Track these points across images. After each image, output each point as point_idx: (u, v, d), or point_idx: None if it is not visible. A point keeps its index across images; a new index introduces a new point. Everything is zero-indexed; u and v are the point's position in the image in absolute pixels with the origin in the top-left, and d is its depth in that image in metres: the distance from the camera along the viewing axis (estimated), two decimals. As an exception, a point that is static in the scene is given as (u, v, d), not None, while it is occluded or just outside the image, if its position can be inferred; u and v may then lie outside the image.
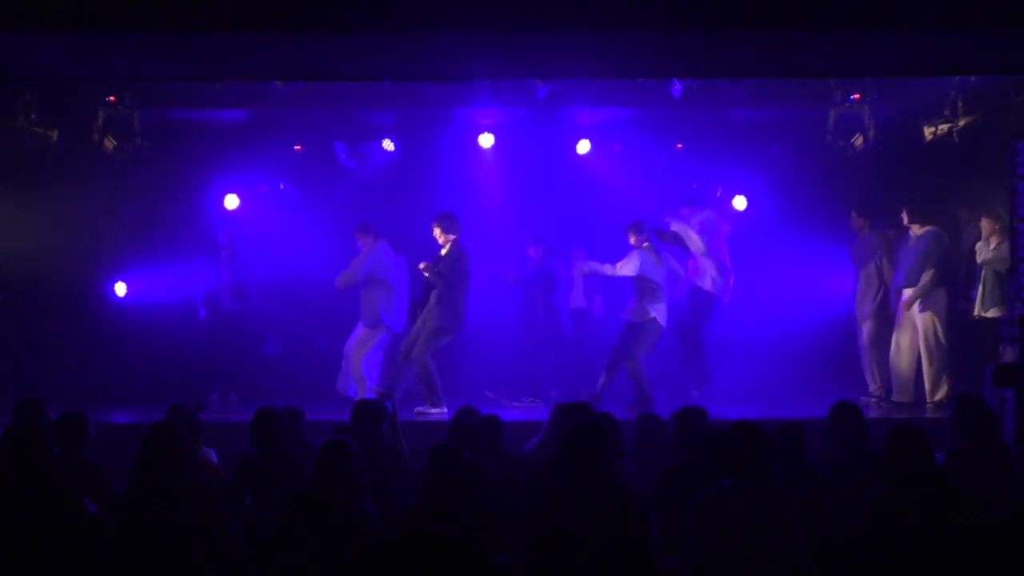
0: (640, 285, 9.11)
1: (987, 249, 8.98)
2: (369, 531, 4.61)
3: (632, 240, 9.21)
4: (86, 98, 9.67)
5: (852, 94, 9.78)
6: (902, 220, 9.35)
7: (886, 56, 7.49)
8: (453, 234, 8.89)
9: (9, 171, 9.87)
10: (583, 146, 10.61)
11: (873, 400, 9.37)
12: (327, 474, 4.67)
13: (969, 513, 4.56)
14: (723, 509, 4.47)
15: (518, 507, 5.13)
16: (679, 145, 10.81)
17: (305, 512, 4.60)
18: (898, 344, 9.30)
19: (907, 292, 9.20)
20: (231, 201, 10.59)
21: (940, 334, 9.09)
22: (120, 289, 10.51)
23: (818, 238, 10.23)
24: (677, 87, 9.16)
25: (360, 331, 9.51)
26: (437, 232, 8.94)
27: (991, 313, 8.95)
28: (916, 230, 9.24)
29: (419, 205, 10.58)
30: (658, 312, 9.12)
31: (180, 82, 9.38)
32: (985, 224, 9.09)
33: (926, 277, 9.08)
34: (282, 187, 10.88)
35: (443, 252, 8.92)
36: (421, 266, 8.91)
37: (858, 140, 9.95)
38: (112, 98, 9.71)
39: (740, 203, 10.66)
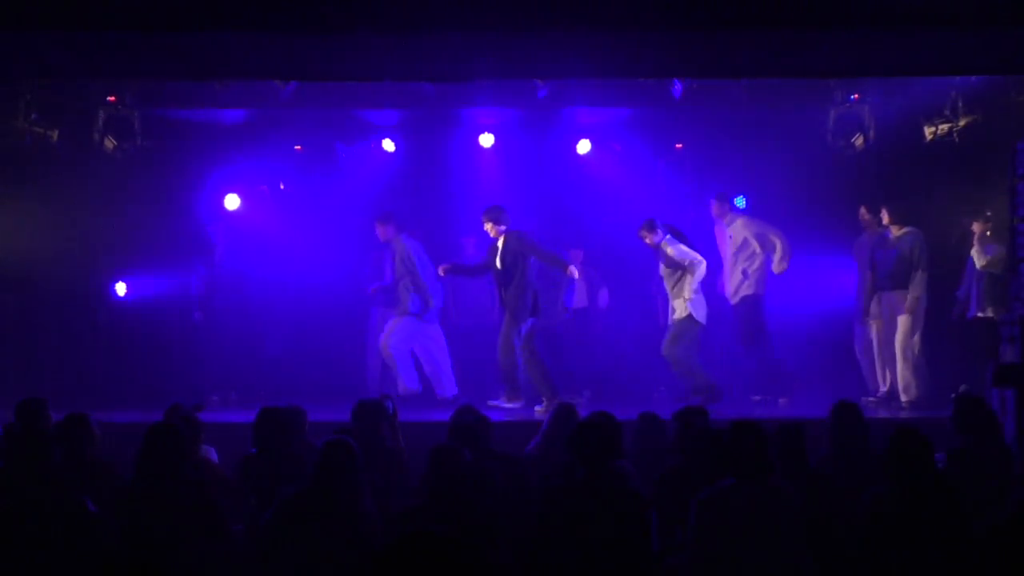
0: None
1: (983, 255, 8.97)
2: (369, 531, 4.61)
3: (651, 240, 9.02)
4: (86, 98, 9.68)
5: (852, 94, 9.77)
6: (881, 219, 9.30)
7: (886, 56, 7.49)
8: (504, 225, 8.94)
9: (9, 171, 9.86)
10: (583, 146, 10.61)
11: (873, 400, 9.34)
12: (327, 474, 4.68)
13: (969, 513, 4.56)
14: (723, 509, 4.47)
15: (518, 507, 5.13)
16: (679, 145, 10.81)
17: (305, 512, 4.60)
18: (894, 345, 9.24)
19: (895, 294, 9.11)
20: (231, 201, 10.59)
21: (916, 336, 9.03)
22: (120, 289, 10.51)
23: (818, 238, 10.23)
24: (677, 87, 9.16)
25: (391, 321, 9.54)
26: (489, 226, 8.99)
27: (988, 312, 8.95)
28: (896, 231, 9.18)
29: (419, 205, 10.60)
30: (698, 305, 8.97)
31: (180, 82, 9.38)
32: (976, 227, 9.10)
33: (918, 278, 9.02)
34: (282, 187, 10.88)
35: (499, 244, 8.96)
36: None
37: (858, 140, 9.95)
38: (112, 98, 9.71)
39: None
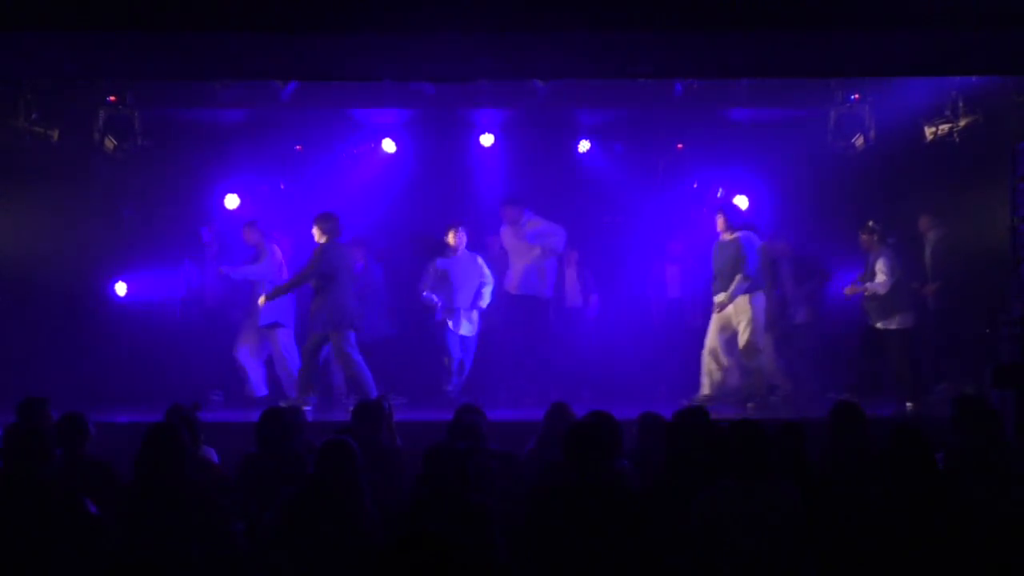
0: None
1: (869, 272, 9.14)
2: (369, 531, 4.62)
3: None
4: (86, 98, 9.67)
5: (852, 94, 9.77)
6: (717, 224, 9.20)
7: (886, 56, 7.49)
8: (328, 235, 8.90)
9: (9, 171, 9.86)
10: (583, 146, 10.61)
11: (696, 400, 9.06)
12: (327, 474, 4.68)
13: (969, 513, 4.56)
14: (724, 508, 4.47)
15: (518, 507, 5.13)
16: (679, 145, 10.81)
17: (305, 512, 4.61)
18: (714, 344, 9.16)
19: (719, 297, 9.05)
20: (231, 201, 10.59)
21: (754, 337, 8.96)
22: (120, 289, 10.50)
23: (818, 238, 10.23)
24: (677, 87, 9.16)
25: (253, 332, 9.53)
26: (317, 231, 8.96)
27: (881, 325, 9.12)
28: (726, 236, 9.10)
29: (419, 205, 10.59)
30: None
31: (180, 82, 9.38)
32: (864, 238, 9.25)
33: (736, 281, 8.91)
34: (282, 187, 10.88)
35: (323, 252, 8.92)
36: None
37: (858, 140, 9.95)
38: (112, 98, 9.71)
39: (741, 203, 10.66)
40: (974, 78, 9.02)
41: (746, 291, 8.98)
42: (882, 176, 10.13)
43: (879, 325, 9.25)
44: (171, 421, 5.63)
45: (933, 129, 9.63)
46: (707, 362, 9.16)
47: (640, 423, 6.11)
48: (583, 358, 10.29)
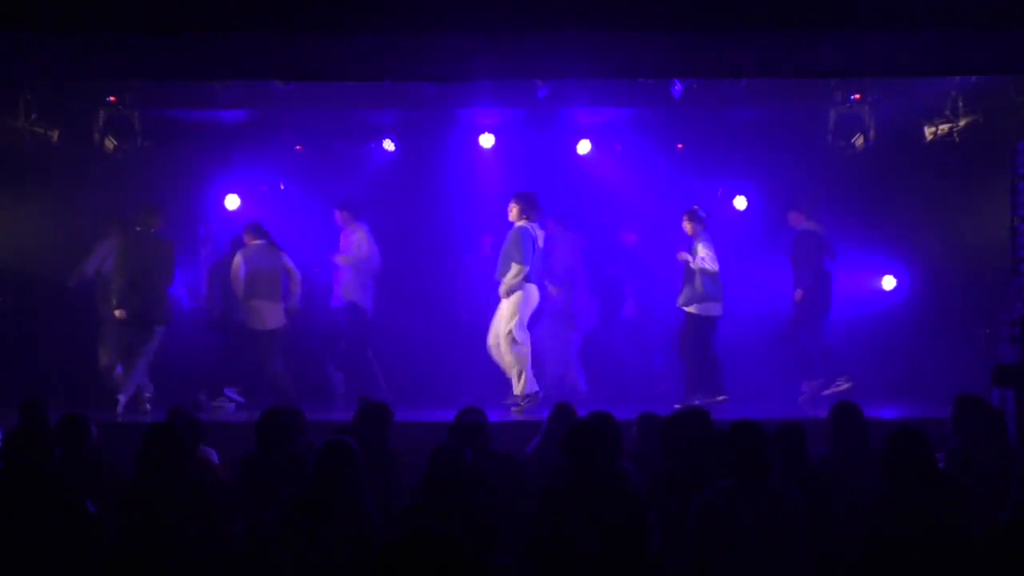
0: None
1: (696, 257, 9.10)
2: (369, 531, 4.62)
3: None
4: (86, 98, 9.67)
5: (852, 94, 9.77)
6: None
7: (886, 56, 7.49)
8: (143, 227, 9.12)
9: (9, 171, 9.86)
10: (583, 146, 10.60)
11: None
12: (327, 474, 4.68)
13: (969, 514, 4.57)
14: (724, 509, 4.47)
15: (518, 507, 5.13)
16: (679, 145, 10.81)
17: (305, 512, 4.61)
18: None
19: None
20: (231, 201, 10.59)
21: (514, 331, 8.78)
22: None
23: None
24: (677, 87, 9.16)
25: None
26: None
27: (691, 309, 9.08)
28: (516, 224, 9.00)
29: (419, 205, 10.59)
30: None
31: (180, 82, 9.38)
32: (688, 227, 9.24)
33: (512, 271, 8.77)
34: (282, 187, 10.88)
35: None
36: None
37: (858, 140, 9.95)
38: (112, 98, 9.71)
39: (740, 203, 10.66)
40: (974, 78, 9.02)
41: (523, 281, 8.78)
42: (882, 176, 10.12)
43: (688, 309, 9.18)
44: (171, 421, 5.64)
45: (933, 129, 9.63)
46: (496, 357, 8.99)
47: (639, 423, 6.11)
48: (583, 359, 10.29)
